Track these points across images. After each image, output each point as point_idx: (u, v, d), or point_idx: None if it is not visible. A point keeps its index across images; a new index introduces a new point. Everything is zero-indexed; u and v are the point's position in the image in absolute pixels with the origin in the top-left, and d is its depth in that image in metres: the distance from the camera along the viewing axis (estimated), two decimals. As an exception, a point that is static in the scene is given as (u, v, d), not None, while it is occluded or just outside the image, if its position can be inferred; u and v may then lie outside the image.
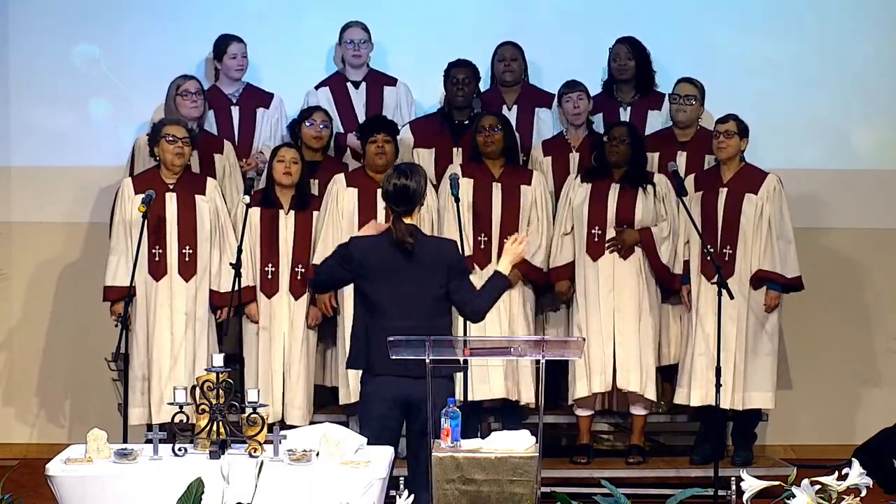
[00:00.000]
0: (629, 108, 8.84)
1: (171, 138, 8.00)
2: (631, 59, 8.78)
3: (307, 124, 8.49)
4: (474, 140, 8.29)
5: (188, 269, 8.07)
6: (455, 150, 8.63)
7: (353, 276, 6.62)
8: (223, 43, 8.82)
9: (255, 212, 8.12)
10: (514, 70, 8.86)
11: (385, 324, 6.55)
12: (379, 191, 7.80)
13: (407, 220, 6.58)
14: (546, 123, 8.85)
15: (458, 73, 8.64)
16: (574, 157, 8.60)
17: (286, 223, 8.21)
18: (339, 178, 8.25)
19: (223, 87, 8.89)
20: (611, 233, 8.22)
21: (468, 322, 7.62)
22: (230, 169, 8.56)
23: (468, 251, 7.99)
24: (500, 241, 8.20)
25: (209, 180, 8.21)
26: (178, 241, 8.07)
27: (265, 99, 8.91)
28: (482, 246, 8.22)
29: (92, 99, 9.24)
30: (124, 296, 7.94)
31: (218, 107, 8.82)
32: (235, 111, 8.86)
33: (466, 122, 8.64)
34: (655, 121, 8.81)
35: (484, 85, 8.92)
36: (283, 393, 8.16)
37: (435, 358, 6.26)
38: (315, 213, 8.23)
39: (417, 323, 6.51)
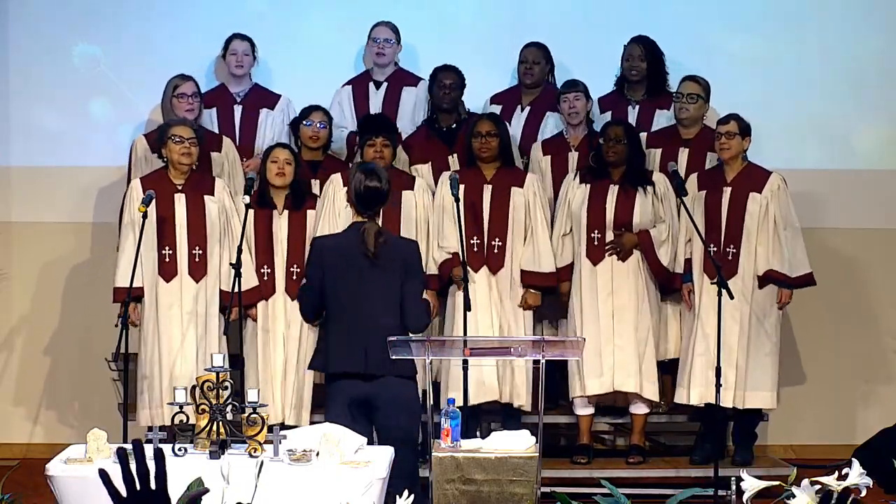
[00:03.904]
0: (637, 107, 8.84)
1: (177, 139, 7.98)
2: (644, 61, 8.77)
3: (305, 124, 8.49)
4: (469, 144, 8.28)
5: (198, 270, 8.05)
6: (450, 158, 8.62)
7: (323, 278, 6.69)
8: (228, 41, 8.84)
9: (251, 212, 8.11)
10: (534, 73, 8.86)
11: (343, 323, 6.60)
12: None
13: (373, 220, 6.68)
14: (553, 127, 8.83)
15: (446, 79, 8.64)
16: (573, 157, 8.60)
17: (281, 223, 8.20)
18: (336, 178, 8.24)
19: (231, 86, 8.89)
20: (609, 236, 8.22)
21: (467, 323, 7.63)
22: (229, 167, 8.54)
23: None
24: (489, 243, 8.21)
25: (217, 180, 8.19)
26: (188, 242, 8.05)
27: (271, 100, 8.89)
28: (475, 249, 8.20)
29: (92, 99, 9.24)
30: (134, 296, 7.92)
31: (221, 105, 8.81)
32: (238, 110, 8.85)
33: (454, 125, 8.64)
34: (663, 120, 8.80)
35: (512, 81, 8.96)
36: (283, 394, 8.15)
37: (400, 357, 6.31)
38: (310, 213, 8.22)
39: (375, 323, 6.55)
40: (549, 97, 8.84)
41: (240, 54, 8.82)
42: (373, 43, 8.90)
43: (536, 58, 8.87)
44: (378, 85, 8.96)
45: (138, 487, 2.54)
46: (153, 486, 2.55)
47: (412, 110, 8.86)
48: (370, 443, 6.56)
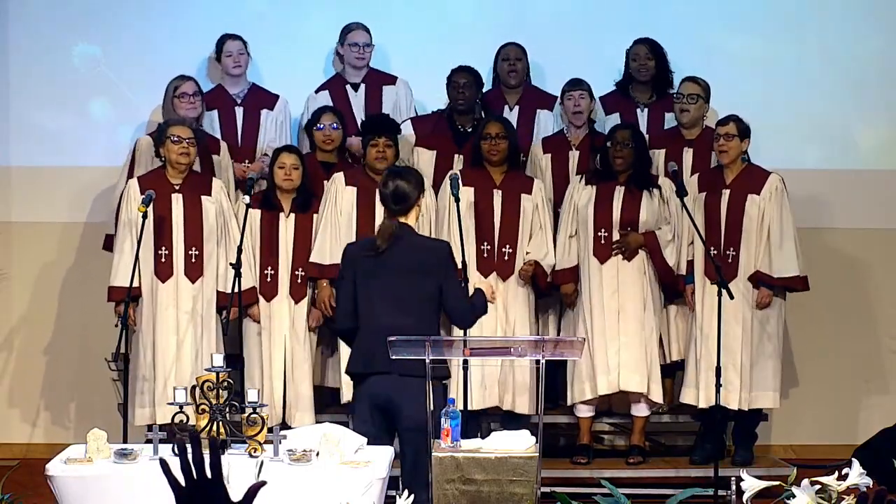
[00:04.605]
0: (646, 110, 8.83)
1: (175, 139, 7.98)
2: (651, 60, 8.78)
3: (317, 127, 8.47)
4: (478, 145, 8.27)
5: (194, 271, 8.05)
6: (457, 156, 8.60)
7: (354, 284, 6.68)
8: (221, 42, 8.83)
9: (256, 214, 8.11)
10: (517, 71, 8.86)
11: (371, 324, 6.58)
12: (377, 192, 7.88)
13: (402, 220, 6.63)
14: (546, 125, 8.84)
15: (459, 79, 8.63)
16: (574, 156, 8.60)
17: (286, 226, 8.20)
18: (339, 177, 8.23)
19: (228, 86, 8.88)
20: (616, 235, 8.22)
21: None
22: (223, 171, 8.54)
23: (468, 255, 7.96)
24: (500, 249, 8.20)
25: (215, 181, 8.19)
26: (185, 242, 8.05)
27: (270, 100, 8.89)
28: (485, 255, 8.20)
29: (92, 99, 9.24)
30: (133, 296, 7.91)
31: (221, 106, 8.80)
32: (239, 112, 8.85)
33: (469, 129, 8.62)
34: (672, 122, 8.79)
35: (486, 85, 8.95)
36: (285, 396, 8.15)
37: (430, 358, 6.29)
38: (316, 216, 8.22)
39: (402, 324, 6.52)
40: (535, 95, 8.86)
41: (235, 54, 8.81)
42: (351, 48, 8.87)
43: (518, 55, 8.88)
44: (355, 87, 8.94)
45: (195, 476, 2.59)
46: (209, 474, 2.61)
47: (393, 108, 8.85)
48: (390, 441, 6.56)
